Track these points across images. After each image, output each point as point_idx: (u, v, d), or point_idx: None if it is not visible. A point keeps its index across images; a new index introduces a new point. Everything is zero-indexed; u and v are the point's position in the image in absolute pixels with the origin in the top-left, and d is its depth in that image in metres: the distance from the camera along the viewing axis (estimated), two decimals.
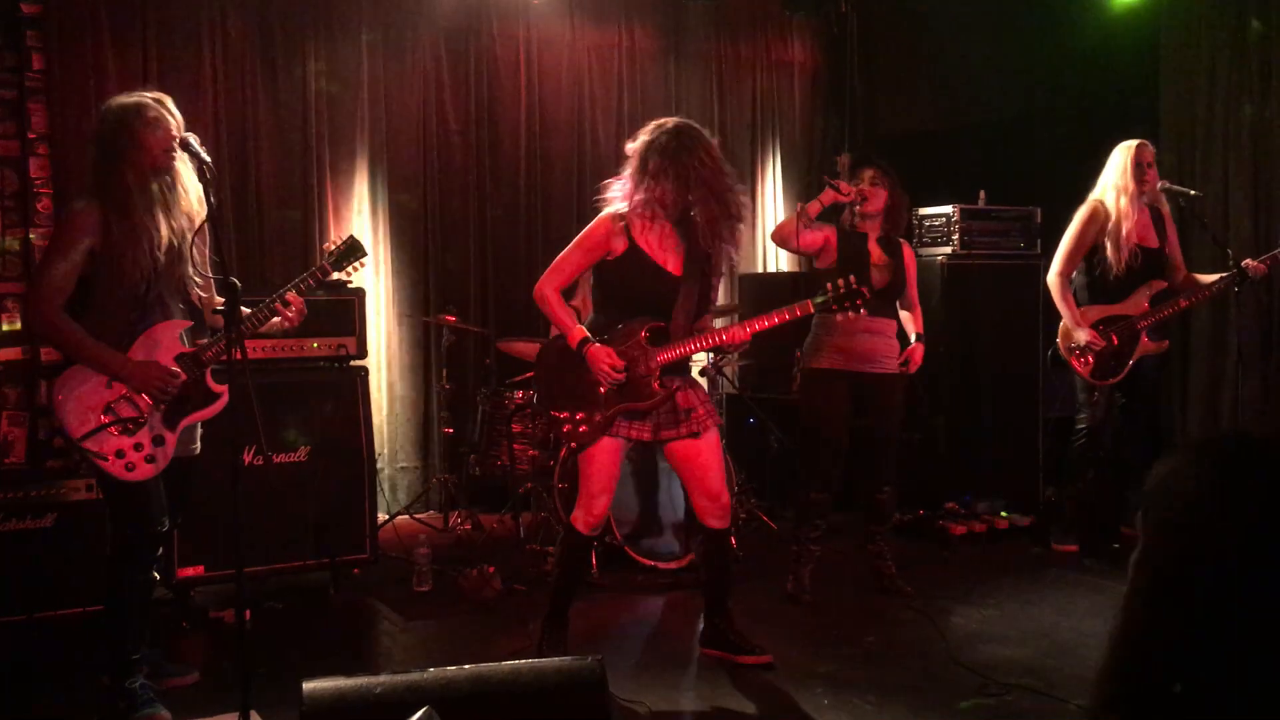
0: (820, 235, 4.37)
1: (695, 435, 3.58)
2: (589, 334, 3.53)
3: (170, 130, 3.17)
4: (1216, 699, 0.93)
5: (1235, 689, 0.92)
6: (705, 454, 3.62)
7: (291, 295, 3.38)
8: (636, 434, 3.55)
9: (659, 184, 3.45)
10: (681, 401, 3.58)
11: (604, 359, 3.47)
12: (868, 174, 4.40)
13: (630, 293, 3.58)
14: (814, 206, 4.28)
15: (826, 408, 4.40)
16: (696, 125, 3.58)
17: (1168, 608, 0.99)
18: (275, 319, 3.39)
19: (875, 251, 4.42)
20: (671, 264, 3.57)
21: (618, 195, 3.58)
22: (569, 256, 3.61)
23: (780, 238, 4.37)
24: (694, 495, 3.70)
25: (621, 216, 3.54)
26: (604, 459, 3.56)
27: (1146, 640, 1.00)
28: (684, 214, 3.56)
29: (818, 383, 4.42)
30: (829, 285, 3.56)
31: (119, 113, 3.17)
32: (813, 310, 3.60)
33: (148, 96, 3.20)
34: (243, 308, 3.06)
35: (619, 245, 3.54)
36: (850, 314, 3.62)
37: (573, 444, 3.60)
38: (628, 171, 3.55)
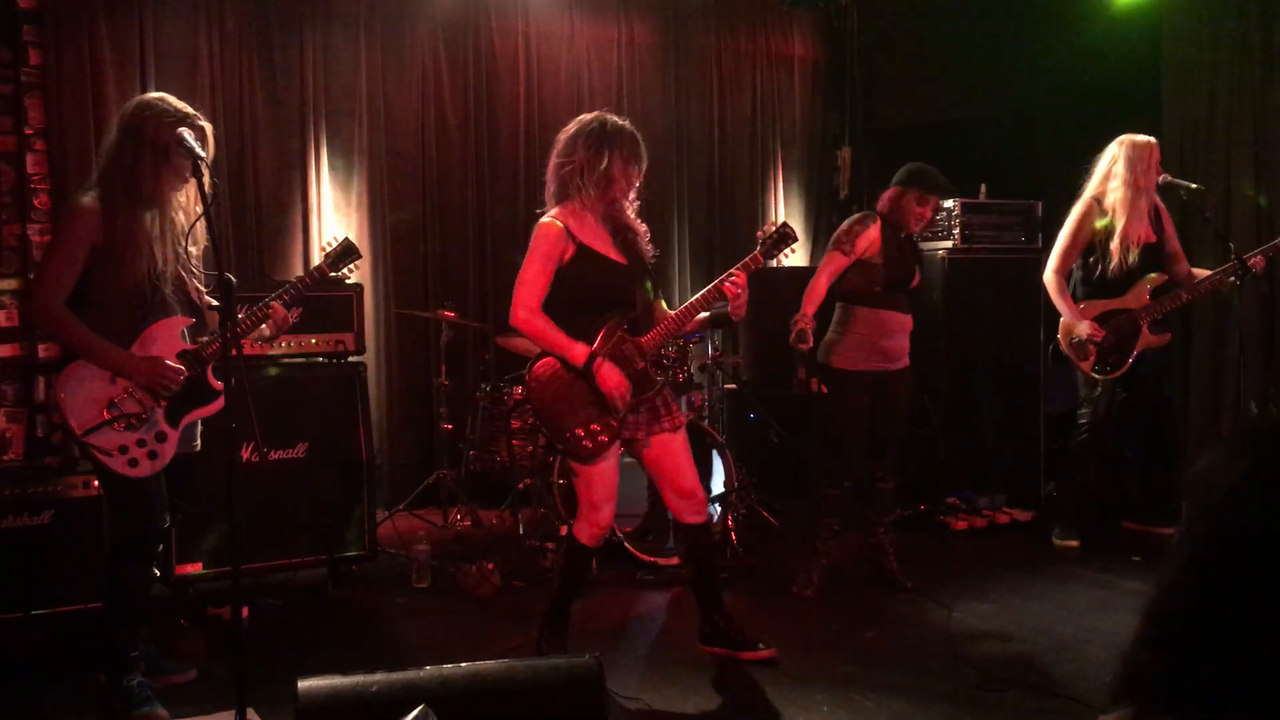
0: (867, 238, 4.36)
1: (677, 430, 3.58)
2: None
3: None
4: (1243, 682, 0.92)
5: (1263, 674, 0.91)
6: (680, 451, 3.61)
7: (276, 306, 3.39)
8: (630, 433, 3.54)
9: (587, 178, 3.47)
10: (663, 396, 3.60)
11: (615, 380, 3.42)
12: (934, 201, 4.49)
13: (590, 292, 3.50)
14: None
15: (853, 409, 4.37)
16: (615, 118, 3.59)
17: (1200, 590, 0.98)
18: (262, 325, 3.40)
19: (908, 246, 4.47)
20: (614, 254, 3.55)
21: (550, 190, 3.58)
22: (536, 270, 3.46)
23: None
24: (669, 493, 3.65)
25: (558, 219, 3.50)
26: (607, 466, 3.52)
27: (1176, 620, 0.99)
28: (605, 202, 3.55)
29: (846, 383, 4.37)
30: (760, 234, 3.65)
31: (157, 111, 3.16)
32: (762, 261, 3.60)
33: (180, 103, 3.22)
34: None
35: (569, 249, 3.48)
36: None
37: (595, 458, 3.48)
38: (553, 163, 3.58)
